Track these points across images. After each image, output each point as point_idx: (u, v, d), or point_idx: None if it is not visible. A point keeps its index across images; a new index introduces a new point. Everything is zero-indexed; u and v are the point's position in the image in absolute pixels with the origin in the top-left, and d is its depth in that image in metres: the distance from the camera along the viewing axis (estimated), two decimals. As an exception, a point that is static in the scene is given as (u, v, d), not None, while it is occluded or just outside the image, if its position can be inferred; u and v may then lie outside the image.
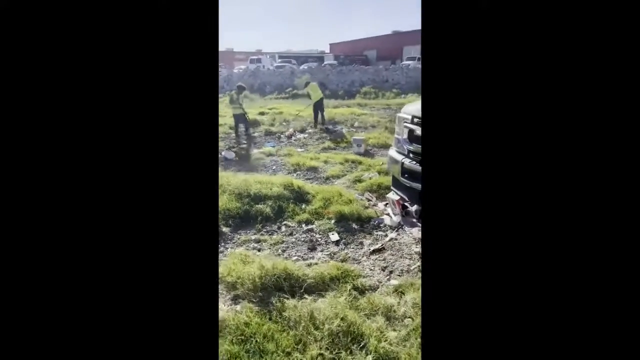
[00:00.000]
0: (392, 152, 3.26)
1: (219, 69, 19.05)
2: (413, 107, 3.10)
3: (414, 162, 2.90)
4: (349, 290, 2.03)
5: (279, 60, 23.79)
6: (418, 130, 2.85)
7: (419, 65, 16.73)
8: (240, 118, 6.86)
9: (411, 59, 23.03)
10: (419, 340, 1.58)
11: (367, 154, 5.81)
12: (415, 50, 27.53)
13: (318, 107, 7.98)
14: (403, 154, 3.07)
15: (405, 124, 3.00)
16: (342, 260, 2.51)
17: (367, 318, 1.78)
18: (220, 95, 15.67)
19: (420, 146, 2.84)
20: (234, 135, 7.16)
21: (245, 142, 6.84)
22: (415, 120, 2.90)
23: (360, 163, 5.08)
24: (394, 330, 1.70)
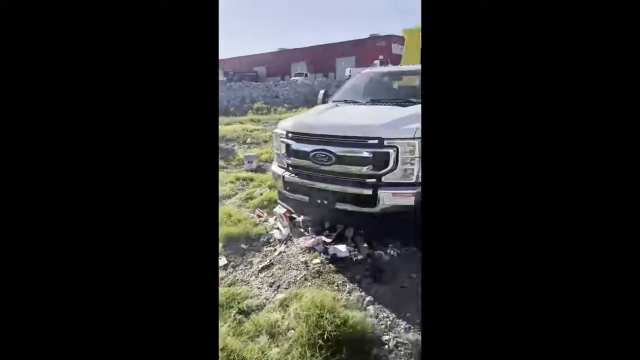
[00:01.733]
0: (274, 167, 3.33)
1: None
2: (287, 122, 3.24)
3: (294, 175, 3.01)
4: (234, 315, 1.97)
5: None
6: (293, 145, 2.97)
7: (307, 81, 17.61)
8: None
9: (299, 75, 24.17)
10: (300, 350, 1.62)
11: (259, 169, 5.79)
12: (302, 66, 29.02)
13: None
14: (284, 168, 3.16)
15: (282, 139, 3.10)
16: (230, 284, 2.42)
17: (251, 341, 1.75)
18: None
19: (297, 159, 2.98)
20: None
21: None
22: (290, 135, 3.03)
23: (252, 180, 5.03)
24: (277, 346, 1.71)
